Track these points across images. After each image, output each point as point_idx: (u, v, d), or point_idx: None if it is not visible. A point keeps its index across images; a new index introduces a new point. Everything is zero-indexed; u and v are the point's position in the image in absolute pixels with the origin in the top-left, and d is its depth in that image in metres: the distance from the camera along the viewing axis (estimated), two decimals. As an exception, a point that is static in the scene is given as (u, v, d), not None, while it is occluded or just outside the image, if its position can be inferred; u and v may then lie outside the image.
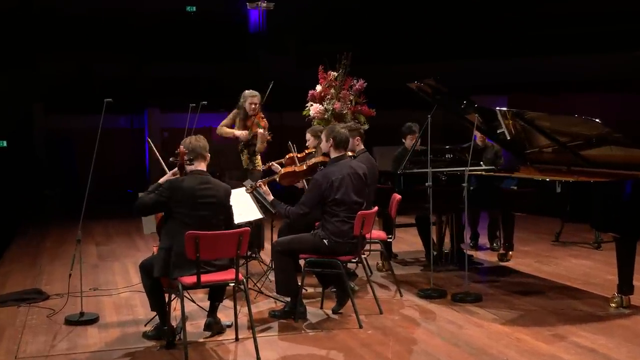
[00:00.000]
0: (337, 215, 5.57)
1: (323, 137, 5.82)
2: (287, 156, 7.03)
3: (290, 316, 5.69)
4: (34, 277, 7.46)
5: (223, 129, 7.83)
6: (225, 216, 5.15)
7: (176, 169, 5.16)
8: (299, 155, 6.95)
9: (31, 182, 13.83)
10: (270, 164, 7.12)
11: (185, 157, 5.06)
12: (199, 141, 5.13)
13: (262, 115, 7.77)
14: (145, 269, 5.13)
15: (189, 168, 5.08)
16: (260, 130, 7.60)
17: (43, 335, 5.43)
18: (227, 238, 4.80)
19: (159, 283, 5.09)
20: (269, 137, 7.61)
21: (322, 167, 6.05)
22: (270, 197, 5.93)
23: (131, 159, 15.48)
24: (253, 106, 7.67)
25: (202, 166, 5.10)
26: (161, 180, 5.14)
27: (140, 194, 5.07)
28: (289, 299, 5.77)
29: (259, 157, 7.84)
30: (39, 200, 13.21)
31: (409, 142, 7.77)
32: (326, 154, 6.01)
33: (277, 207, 5.82)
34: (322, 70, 7.88)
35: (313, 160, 6.39)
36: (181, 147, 5.09)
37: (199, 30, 16.73)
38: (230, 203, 5.20)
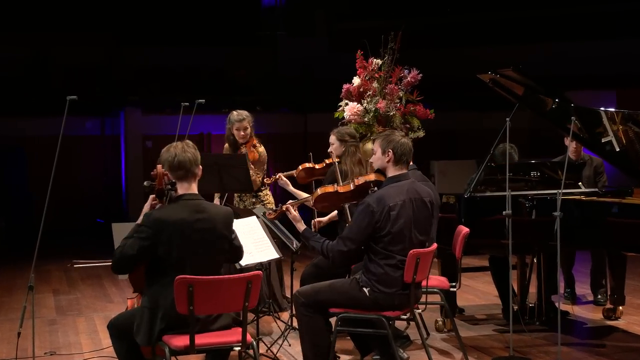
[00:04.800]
0: (391, 257, 5.45)
1: (377, 147, 5.73)
2: (300, 167, 7.05)
3: None
4: (-29, 336, 7.55)
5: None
6: (229, 252, 5.06)
7: (153, 196, 5.00)
8: (317, 167, 6.96)
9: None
10: (278, 176, 7.14)
11: (166, 181, 4.93)
12: (186, 152, 4.91)
13: (256, 142, 7.68)
14: (118, 329, 5.06)
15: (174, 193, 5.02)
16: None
17: (-18, 416, 5.48)
18: (230, 285, 4.81)
19: (137, 348, 5.06)
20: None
21: (374, 188, 6.01)
22: (302, 227, 5.84)
23: (102, 177, 15.63)
24: (242, 133, 7.58)
25: (192, 188, 4.95)
26: (140, 218, 4.98)
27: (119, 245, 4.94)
28: None
29: (267, 192, 7.78)
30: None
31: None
32: (380, 172, 5.93)
33: (311, 240, 5.68)
34: (361, 57, 7.90)
35: (363, 179, 6.33)
36: (158, 166, 4.93)
37: (198, 3, 16.89)
38: (235, 232, 5.11)
